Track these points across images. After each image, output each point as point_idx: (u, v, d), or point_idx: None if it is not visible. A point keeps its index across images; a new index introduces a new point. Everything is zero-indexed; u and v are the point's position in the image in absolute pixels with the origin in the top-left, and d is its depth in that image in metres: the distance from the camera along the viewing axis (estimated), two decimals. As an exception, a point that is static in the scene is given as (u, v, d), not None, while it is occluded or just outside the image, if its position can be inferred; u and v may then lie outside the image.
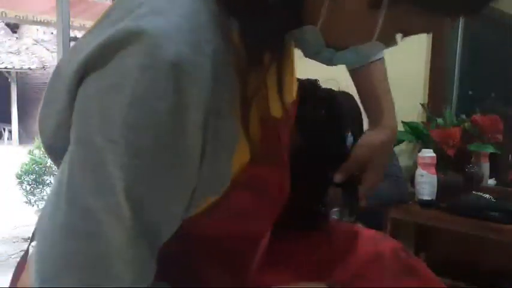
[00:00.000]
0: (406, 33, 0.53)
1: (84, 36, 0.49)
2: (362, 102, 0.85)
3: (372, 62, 0.83)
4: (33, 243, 0.63)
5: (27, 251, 0.68)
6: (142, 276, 0.46)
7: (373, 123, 0.83)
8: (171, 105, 0.41)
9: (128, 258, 0.44)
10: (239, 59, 0.46)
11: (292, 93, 0.63)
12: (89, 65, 0.44)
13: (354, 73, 0.85)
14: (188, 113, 0.42)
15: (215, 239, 0.53)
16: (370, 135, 0.82)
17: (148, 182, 0.43)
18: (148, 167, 0.42)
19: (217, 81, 0.43)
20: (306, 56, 0.56)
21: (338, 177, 0.80)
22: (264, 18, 0.47)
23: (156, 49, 0.41)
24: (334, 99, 0.83)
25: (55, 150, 0.52)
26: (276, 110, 0.54)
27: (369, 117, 0.84)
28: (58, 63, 0.52)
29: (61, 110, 0.48)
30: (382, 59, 0.85)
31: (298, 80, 0.83)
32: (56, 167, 0.53)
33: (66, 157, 0.46)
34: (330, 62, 0.55)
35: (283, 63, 0.55)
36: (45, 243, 0.45)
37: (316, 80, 0.84)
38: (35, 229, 0.63)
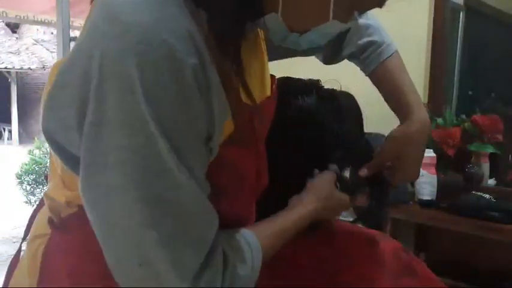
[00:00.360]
0: (359, 8, 0.57)
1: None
2: (388, 100, 0.83)
3: (387, 58, 0.82)
4: (26, 242, 0.64)
5: (19, 250, 0.68)
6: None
7: (403, 118, 0.81)
8: (175, 92, 0.46)
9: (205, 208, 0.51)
10: (211, 46, 0.50)
11: (265, 86, 0.65)
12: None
13: (373, 74, 0.84)
14: (191, 93, 0.47)
15: None
16: (401, 129, 0.80)
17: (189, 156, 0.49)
18: (182, 145, 0.48)
19: (203, 63, 0.49)
20: (275, 43, 0.59)
21: (364, 172, 0.79)
22: (226, 9, 0.51)
23: (144, 45, 0.45)
24: (336, 99, 0.83)
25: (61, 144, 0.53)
26: (246, 98, 0.58)
27: (398, 113, 0.82)
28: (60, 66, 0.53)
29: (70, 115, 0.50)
30: (396, 52, 0.84)
31: (300, 80, 0.84)
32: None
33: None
34: (297, 45, 0.58)
35: (250, 54, 0.60)
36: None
37: (318, 80, 0.85)
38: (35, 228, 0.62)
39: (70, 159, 0.52)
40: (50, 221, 0.60)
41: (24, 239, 0.69)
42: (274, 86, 0.68)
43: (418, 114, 0.80)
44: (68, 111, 0.49)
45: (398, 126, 0.81)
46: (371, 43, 0.83)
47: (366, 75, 0.86)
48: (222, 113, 0.52)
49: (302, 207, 0.69)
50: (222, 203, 0.54)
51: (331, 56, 0.88)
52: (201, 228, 0.50)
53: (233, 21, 0.52)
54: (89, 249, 0.53)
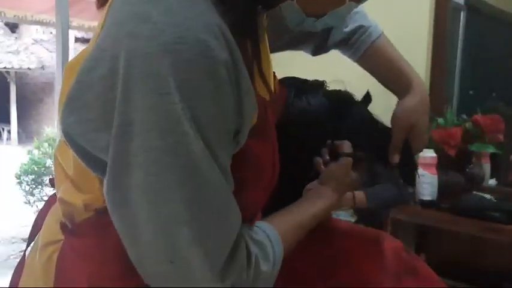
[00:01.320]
0: None
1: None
2: (384, 78, 0.83)
3: (376, 38, 0.83)
4: (39, 245, 0.62)
5: (23, 257, 0.66)
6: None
7: (404, 91, 0.81)
8: (212, 89, 0.47)
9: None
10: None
11: (271, 83, 0.65)
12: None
13: (364, 55, 0.85)
14: (225, 89, 0.48)
15: None
16: (408, 101, 0.81)
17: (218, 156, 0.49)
18: (215, 144, 0.48)
19: (234, 59, 0.49)
20: (292, 27, 0.61)
21: (395, 158, 0.80)
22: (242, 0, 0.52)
23: (180, 44, 0.45)
24: (341, 99, 0.83)
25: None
26: (262, 91, 0.59)
27: (397, 87, 0.82)
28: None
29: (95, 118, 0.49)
30: (383, 34, 0.85)
31: (306, 80, 0.84)
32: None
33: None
34: (314, 27, 0.60)
35: (262, 49, 0.60)
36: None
37: (323, 81, 0.85)
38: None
39: (93, 161, 0.51)
40: (63, 227, 0.59)
41: (28, 245, 0.67)
42: (276, 81, 0.68)
43: (419, 85, 0.82)
44: (92, 112, 0.49)
45: (403, 99, 0.81)
46: (359, 27, 0.84)
47: (355, 60, 0.87)
48: (251, 106, 0.53)
49: (320, 201, 0.71)
50: (241, 196, 0.54)
51: (318, 46, 0.89)
52: (230, 225, 0.51)
53: (249, 12, 0.52)
54: (106, 253, 0.53)
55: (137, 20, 0.46)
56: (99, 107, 0.48)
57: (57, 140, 2.51)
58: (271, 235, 0.59)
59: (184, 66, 0.45)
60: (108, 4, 0.53)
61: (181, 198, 0.47)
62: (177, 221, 0.47)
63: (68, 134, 0.51)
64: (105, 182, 0.49)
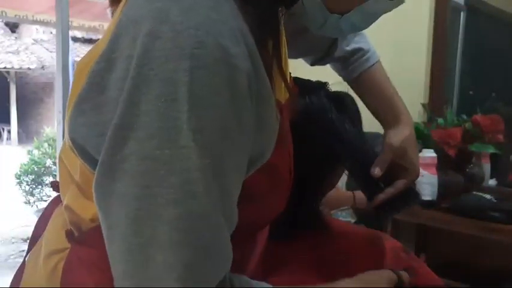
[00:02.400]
0: None
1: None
2: (374, 105, 0.83)
3: (373, 64, 0.84)
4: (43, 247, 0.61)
5: (23, 263, 0.64)
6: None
7: (393, 122, 0.81)
8: (227, 99, 0.43)
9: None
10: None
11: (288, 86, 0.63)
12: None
13: (359, 79, 0.85)
14: (243, 102, 0.44)
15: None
16: (397, 131, 0.80)
17: (223, 177, 0.44)
18: (221, 162, 0.44)
19: (255, 67, 0.46)
20: (313, 31, 0.58)
21: (376, 171, 0.76)
22: None
23: (199, 49, 0.42)
24: (342, 100, 0.83)
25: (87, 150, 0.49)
26: (279, 93, 0.55)
27: (385, 117, 0.82)
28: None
29: (107, 121, 0.46)
30: (379, 62, 0.85)
31: (309, 81, 0.84)
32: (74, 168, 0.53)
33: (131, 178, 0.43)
34: (339, 31, 0.56)
35: (281, 49, 0.56)
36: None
37: (326, 82, 0.85)
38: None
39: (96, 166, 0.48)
40: (69, 235, 0.56)
41: (29, 250, 0.65)
42: (291, 83, 0.66)
43: (408, 118, 0.82)
44: (101, 116, 0.46)
45: (393, 129, 0.81)
46: (358, 49, 0.85)
47: (348, 81, 0.87)
48: (273, 122, 0.49)
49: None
50: (257, 208, 0.52)
51: (318, 59, 0.89)
52: (216, 268, 0.45)
53: (273, 11, 0.50)
54: (107, 265, 0.50)
55: (156, 19, 0.43)
56: (109, 111, 0.44)
57: (60, 141, 2.49)
58: None
59: (201, 72, 0.42)
60: (123, 1, 0.49)
61: (166, 221, 0.41)
62: (155, 245, 0.42)
63: (74, 139, 0.49)
64: (93, 186, 0.46)
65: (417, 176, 0.80)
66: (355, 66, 0.85)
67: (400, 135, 0.80)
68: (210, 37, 0.42)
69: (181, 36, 0.42)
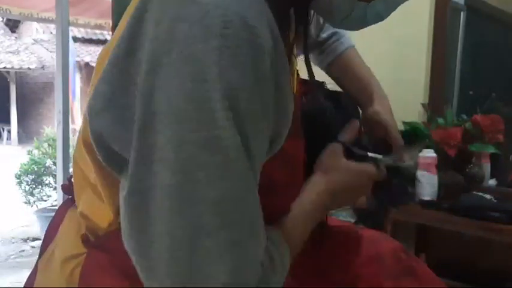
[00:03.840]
0: None
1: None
2: (350, 87, 0.83)
3: (349, 47, 0.84)
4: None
5: (35, 268, 0.64)
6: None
7: (370, 98, 0.82)
8: (254, 80, 0.42)
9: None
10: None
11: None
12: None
13: (336, 61, 0.85)
14: (266, 84, 0.44)
15: None
16: (375, 107, 0.81)
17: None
18: (248, 144, 0.43)
19: (278, 51, 0.46)
20: (335, 24, 0.57)
21: (343, 136, 0.71)
22: None
23: (227, 29, 0.41)
24: (340, 100, 0.83)
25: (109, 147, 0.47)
26: (292, 85, 0.55)
27: (363, 95, 0.82)
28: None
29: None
30: (354, 47, 0.86)
31: (306, 80, 0.84)
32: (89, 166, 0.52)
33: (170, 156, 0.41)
34: (362, 21, 0.56)
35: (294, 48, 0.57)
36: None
37: (323, 82, 0.85)
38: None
39: (119, 165, 0.46)
40: (85, 240, 0.55)
41: (40, 255, 0.64)
42: (299, 79, 0.66)
43: (385, 97, 0.83)
44: (125, 100, 0.44)
45: (371, 106, 0.81)
46: (333, 34, 0.85)
47: (323, 67, 0.87)
48: (290, 103, 0.49)
49: (311, 193, 0.61)
50: (275, 200, 0.51)
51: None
52: (260, 238, 0.45)
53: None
54: (128, 267, 0.49)
55: (182, 1, 0.42)
56: (131, 95, 0.43)
57: (61, 141, 2.47)
58: (281, 247, 0.53)
59: (229, 52, 0.41)
60: None
61: (212, 203, 0.41)
62: (204, 231, 0.41)
63: (99, 135, 0.46)
64: (124, 184, 0.44)
65: (402, 143, 0.82)
66: (331, 50, 0.85)
67: (380, 108, 0.80)
68: (237, 17, 0.42)
69: (209, 16, 0.41)
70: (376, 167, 0.66)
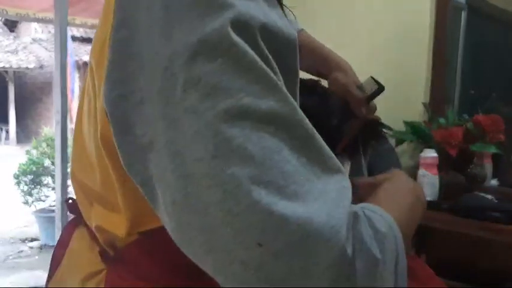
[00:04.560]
0: None
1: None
2: (309, 63, 0.84)
3: (301, 30, 0.85)
4: None
5: None
6: None
7: (328, 70, 0.82)
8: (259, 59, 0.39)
9: None
10: None
11: None
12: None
13: None
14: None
15: None
16: (333, 74, 0.81)
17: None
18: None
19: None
20: None
21: (364, 110, 0.77)
22: None
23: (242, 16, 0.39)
24: (337, 97, 0.82)
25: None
26: None
27: (324, 71, 0.83)
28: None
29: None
30: (303, 30, 0.87)
31: (301, 79, 0.83)
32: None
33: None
34: None
35: None
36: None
37: (318, 80, 0.84)
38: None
39: (137, 155, 0.42)
40: (103, 255, 0.52)
41: (49, 278, 0.62)
42: None
43: (346, 63, 0.83)
44: (139, 82, 0.42)
45: (332, 73, 0.82)
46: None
47: None
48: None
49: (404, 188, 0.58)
50: None
51: None
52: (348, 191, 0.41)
53: None
54: (159, 272, 0.49)
55: None
56: (146, 75, 0.41)
57: (59, 141, 2.43)
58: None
59: None
60: None
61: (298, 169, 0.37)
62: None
63: (112, 111, 0.43)
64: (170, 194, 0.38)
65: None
66: None
67: (342, 74, 0.80)
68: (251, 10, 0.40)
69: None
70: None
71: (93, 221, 0.53)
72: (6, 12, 3.78)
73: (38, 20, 4.21)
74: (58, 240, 0.65)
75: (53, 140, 4.22)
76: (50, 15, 3.67)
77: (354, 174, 1.77)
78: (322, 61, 0.83)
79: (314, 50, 0.84)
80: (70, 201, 0.63)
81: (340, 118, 0.80)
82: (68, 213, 0.63)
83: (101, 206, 0.52)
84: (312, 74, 0.86)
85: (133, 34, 0.43)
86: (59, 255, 0.62)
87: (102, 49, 0.46)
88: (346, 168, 0.87)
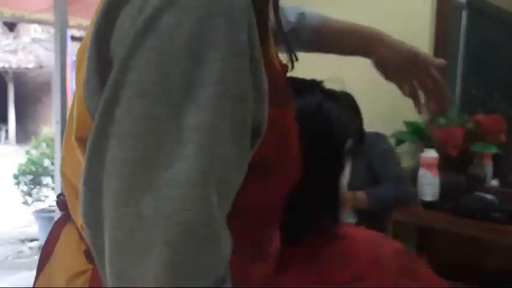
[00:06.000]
0: None
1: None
2: (344, 46, 0.83)
3: (320, 20, 0.84)
4: None
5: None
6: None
7: (369, 49, 0.81)
8: (227, 51, 0.39)
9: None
10: None
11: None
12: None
13: (318, 36, 0.84)
14: (245, 57, 0.40)
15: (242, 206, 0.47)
16: (376, 52, 0.80)
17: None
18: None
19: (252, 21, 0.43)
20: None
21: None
22: None
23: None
24: (338, 99, 0.81)
25: None
26: (275, 61, 0.53)
27: (360, 51, 0.82)
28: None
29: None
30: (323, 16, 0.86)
31: (303, 80, 0.83)
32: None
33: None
34: None
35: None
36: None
37: (321, 81, 0.84)
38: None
39: None
40: (88, 255, 0.52)
41: (37, 276, 0.62)
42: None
43: (376, 30, 0.83)
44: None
45: (374, 51, 0.80)
46: (300, 14, 0.84)
47: (309, 44, 0.85)
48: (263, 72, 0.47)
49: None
50: (264, 181, 0.49)
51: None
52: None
53: None
54: None
55: None
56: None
57: (59, 141, 2.43)
58: None
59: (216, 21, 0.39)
60: None
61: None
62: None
63: (92, 111, 0.44)
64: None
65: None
66: (307, 28, 0.83)
67: (384, 52, 0.80)
68: None
69: None
70: None
71: (79, 219, 0.53)
72: (2, 13, 3.78)
73: (34, 21, 4.22)
74: (48, 236, 0.64)
75: (52, 140, 4.22)
76: (46, 16, 3.68)
77: (354, 174, 1.77)
78: (357, 41, 0.82)
79: (345, 32, 0.82)
80: (61, 197, 0.63)
81: (342, 118, 0.80)
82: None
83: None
84: (358, 55, 0.83)
85: (109, 31, 0.42)
86: (48, 250, 0.62)
87: (84, 52, 0.46)
88: (346, 169, 0.87)
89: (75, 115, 0.49)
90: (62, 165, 0.57)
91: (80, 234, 0.56)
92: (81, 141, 0.48)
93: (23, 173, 4.47)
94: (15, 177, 4.51)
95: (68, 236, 0.59)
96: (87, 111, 0.46)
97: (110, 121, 0.38)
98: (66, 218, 0.62)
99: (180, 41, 0.38)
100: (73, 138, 0.49)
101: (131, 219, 0.37)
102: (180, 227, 0.36)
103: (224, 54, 0.38)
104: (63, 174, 0.57)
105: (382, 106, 1.92)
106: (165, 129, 0.37)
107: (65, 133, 0.59)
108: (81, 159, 0.48)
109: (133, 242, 0.36)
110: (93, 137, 0.40)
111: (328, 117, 0.78)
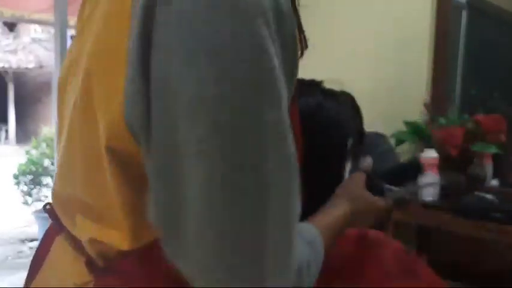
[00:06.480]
0: None
1: None
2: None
3: None
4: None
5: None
6: None
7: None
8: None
9: None
10: None
11: None
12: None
13: None
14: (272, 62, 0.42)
15: None
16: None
17: None
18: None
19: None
20: None
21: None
22: None
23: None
24: (339, 99, 0.81)
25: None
26: None
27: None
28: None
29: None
30: None
31: (303, 80, 0.82)
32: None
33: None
34: None
35: None
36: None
37: (321, 81, 0.84)
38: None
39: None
40: (91, 266, 0.50)
41: (29, 279, 0.61)
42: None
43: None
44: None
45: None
46: None
47: None
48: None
49: (336, 210, 0.66)
50: None
51: None
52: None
53: None
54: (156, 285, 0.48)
55: None
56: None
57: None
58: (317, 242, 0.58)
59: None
60: None
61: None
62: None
63: (131, 124, 0.42)
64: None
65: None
66: None
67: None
68: None
69: None
70: (385, 201, 0.74)
71: (82, 234, 0.52)
72: (2, 13, 3.78)
73: (34, 21, 4.21)
74: (39, 244, 0.63)
75: (52, 140, 4.22)
76: (46, 16, 3.68)
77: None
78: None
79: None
80: (48, 206, 0.61)
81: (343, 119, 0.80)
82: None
83: (89, 218, 0.50)
84: None
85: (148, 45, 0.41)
86: (36, 264, 0.61)
87: (111, 57, 0.44)
88: (347, 168, 0.87)
89: (103, 123, 0.45)
90: (57, 177, 0.56)
91: (76, 244, 0.53)
92: (113, 152, 0.45)
93: (23, 173, 4.47)
94: (15, 177, 4.50)
95: (61, 247, 0.57)
96: (122, 115, 0.43)
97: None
98: (55, 228, 0.60)
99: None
100: (101, 147, 0.45)
101: None
102: None
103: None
104: (56, 183, 0.55)
105: (382, 106, 1.92)
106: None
107: (62, 144, 0.56)
108: (110, 173, 0.46)
109: None
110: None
111: (328, 117, 0.78)
